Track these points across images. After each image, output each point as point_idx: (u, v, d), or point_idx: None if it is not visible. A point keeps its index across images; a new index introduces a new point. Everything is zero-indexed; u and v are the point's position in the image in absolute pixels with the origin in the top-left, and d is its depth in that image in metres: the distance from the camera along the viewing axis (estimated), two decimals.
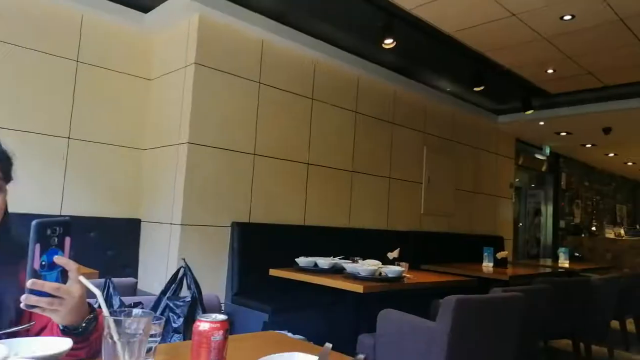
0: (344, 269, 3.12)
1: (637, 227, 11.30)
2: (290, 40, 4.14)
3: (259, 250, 3.80)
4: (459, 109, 6.16)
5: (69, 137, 3.65)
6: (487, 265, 4.67)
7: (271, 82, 4.12)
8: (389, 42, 3.76)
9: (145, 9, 3.91)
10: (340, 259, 3.32)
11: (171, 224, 3.63)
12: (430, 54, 4.62)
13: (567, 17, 3.66)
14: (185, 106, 3.65)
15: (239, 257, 3.73)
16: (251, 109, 3.98)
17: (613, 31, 3.86)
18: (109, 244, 3.76)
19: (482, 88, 4.85)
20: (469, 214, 6.41)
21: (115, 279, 1.94)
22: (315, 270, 3.18)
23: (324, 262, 3.19)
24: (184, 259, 2.15)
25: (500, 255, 4.69)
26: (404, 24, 3.91)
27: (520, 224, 9.01)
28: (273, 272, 3.27)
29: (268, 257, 3.63)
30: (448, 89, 5.77)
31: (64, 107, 3.64)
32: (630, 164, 9.54)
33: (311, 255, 3.39)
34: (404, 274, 3.06)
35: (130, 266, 3.87)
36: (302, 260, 3.28)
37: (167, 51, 3.96)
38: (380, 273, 2.96)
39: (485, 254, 4.79)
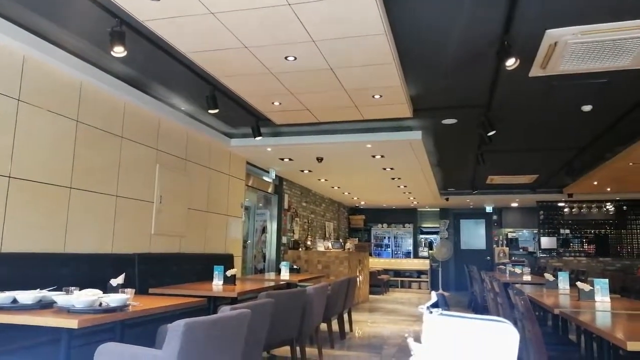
0: (54, 302, 2.68)
1: (340, 241, 13.54)
2: None
3: None
4: (193, 129, 6.18)
5: None
6: (217, 284, 4.77)
7: None
8: (119, 50, 3.48)
9: None
10: (50, 290, 2.84)
11: None
12: (165, 69, 4.50)
13: (291, 58, 4.13)
14: None
15: None
16: None
17: (325, 77, 4.55)
18: None
19: (216, 111, 4.99)
20: (201, 233, 6.45)
21: None
22: (15, 307, 2.62)
23: (26, 296, 2.66)
24: None
25: (229, 272, 4.85)
26: (137, 34, 3.70)
27: (249, 241, 9.61)
28: None
29: None
30: (183, 108, 5.73)
31: None
32: (336, 188, 11.42)
33: (11, 290, 2.79)
34: (128, 302, 2.82)
35: None
36: None
37: None
38: (101, 303, 2.64)
39: (216, 272, 4.90)
